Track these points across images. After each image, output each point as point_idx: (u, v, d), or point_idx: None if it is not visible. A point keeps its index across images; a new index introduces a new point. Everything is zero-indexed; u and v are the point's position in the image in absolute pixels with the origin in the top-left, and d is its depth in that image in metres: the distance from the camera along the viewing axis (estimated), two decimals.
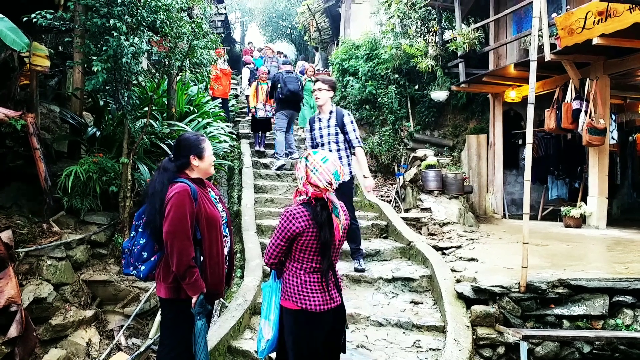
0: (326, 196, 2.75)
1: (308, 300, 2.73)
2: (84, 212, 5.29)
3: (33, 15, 4.17)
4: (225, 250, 3.13)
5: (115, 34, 4.34)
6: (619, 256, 5.40)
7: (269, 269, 2.98)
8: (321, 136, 5.16)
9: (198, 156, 2.98)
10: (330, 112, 5.18)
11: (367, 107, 11.22)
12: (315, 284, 2.76)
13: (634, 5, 5.65)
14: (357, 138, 5.17)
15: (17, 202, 5.29)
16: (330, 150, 4.98)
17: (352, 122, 5.18)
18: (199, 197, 2.91)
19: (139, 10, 4.55)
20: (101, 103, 5.76)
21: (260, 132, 10.53)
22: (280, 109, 9.40)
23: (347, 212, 2.99)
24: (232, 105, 13.62)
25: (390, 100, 10.69)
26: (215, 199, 3.15)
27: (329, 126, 5.14)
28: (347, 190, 5.04)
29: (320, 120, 5.21)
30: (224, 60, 12.18)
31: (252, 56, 17.06)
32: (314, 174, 2.73)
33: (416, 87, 11.02)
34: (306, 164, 2.78)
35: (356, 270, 5.33)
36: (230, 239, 3.24)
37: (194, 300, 2.83)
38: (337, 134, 5.11)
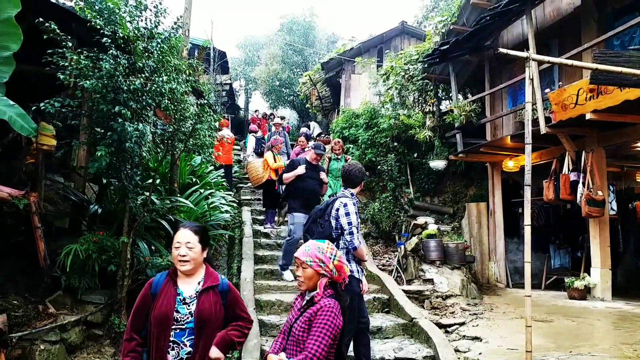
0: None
1: None
2: (81, 292, 5.23)
3: (42, 105, 4.33)
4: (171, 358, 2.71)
5: (120, 120, 4.49)
6: (626, 336, 5.26)
7: (265, 347, 2.89)
8: None
9: None
10: None
11: (367, 173, 11.33)
12: None
13: None
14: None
15: (14, 278, 5.24)
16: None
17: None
18: (160, 291, 2.81)
19: (144, 97, 4.72)
20: (104, 181, 5.85)
21: (273, 209, 9.62)
22: None
23: None
24: (235, 172, 13.79)
25: (389, 168, 10.81)
26: (186, 298, 2.81)
27: None
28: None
29: None
30: (229, 129, 12.43)
31: (257, 126, 17.20)
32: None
33: (415, 154, 11.21)
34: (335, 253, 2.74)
35: None
36: (197, 347, 2.74)
37: None
38: None
